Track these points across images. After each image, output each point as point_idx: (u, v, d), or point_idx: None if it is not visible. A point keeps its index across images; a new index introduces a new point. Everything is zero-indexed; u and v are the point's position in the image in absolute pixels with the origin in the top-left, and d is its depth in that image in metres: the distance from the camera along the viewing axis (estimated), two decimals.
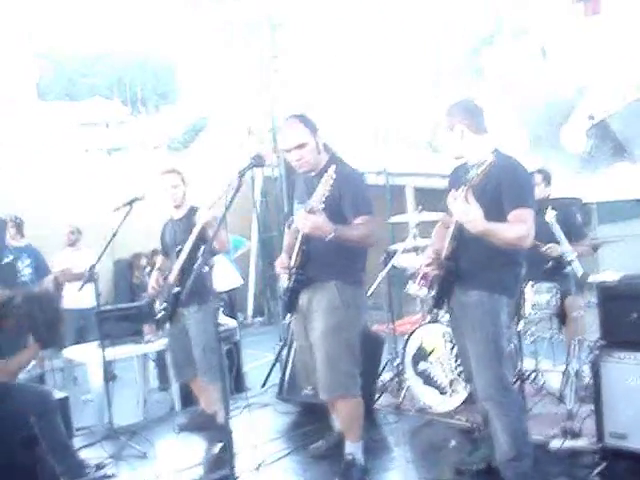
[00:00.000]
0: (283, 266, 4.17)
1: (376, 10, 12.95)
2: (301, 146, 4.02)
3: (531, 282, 5.31)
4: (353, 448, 4.20)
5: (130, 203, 5.31)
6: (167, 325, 5.42)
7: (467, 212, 3.39)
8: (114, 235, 5.24)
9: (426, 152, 10.41)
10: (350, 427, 4.22)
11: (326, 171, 3.81)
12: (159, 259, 5.78)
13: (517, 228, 3.51)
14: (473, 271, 3.70)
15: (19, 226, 8.01)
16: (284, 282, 4.24)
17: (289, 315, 4.30)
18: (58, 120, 19.20)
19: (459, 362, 4.85)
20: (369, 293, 6.04)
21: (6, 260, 7.62)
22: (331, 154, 4.16)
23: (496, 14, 10.15)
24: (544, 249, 5.35)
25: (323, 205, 3.74)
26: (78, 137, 18.47)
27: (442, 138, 3.89)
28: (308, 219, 3.75)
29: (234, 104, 16.76)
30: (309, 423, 5.28)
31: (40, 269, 7.90)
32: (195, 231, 4.90)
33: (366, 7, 13.08)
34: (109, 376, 5.94)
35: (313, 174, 4.10)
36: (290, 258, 4.13)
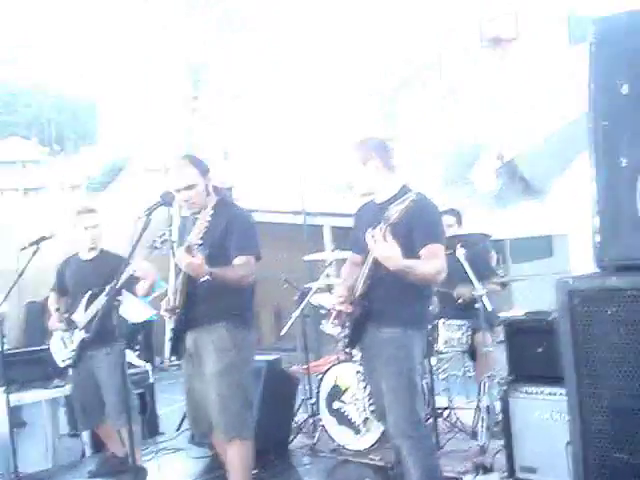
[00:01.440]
0: (167, 307, 4.09)
1: (295, 52, 13.13)
2: (190, 187, 4.03)
3: (443, 319, 5.39)
4: None
5: (37, 242, 5.17)
6: (70, 370, 5.28)
7: (386, 250, 3.41)
8: (20, 275, 5.07)
9: (344, 193, 10.53)
10: (239, 474, 4.05)
11: (214, 213, 3.88)
12: (53, 298, 5.55)
13: (432, 263, 3.56)
14: (386, 308, 3.71)
15: None
16: (168, 324, 4.16)
17: (174, 357, 4.21)
18: None
19: (372, 401, 4.85)
20: (282, 333, 6.06)
21: None
22: (221, 196, 4.20)
23: (409, 58, 10.43)
24: (455, 294, 5.46)
25: (200, 242, 3.75)
26: None
27: (352, 174, 3.89)
28: (184, 258, 3.75)
29: (153, 144, 16.68)
30: (221, 467, 5.17)
31: None
32: (124, 277, 4.72)
33: (285, 48, 13.26)
34: (18, 422, 5.73)
35: (198, 215, 4.08)
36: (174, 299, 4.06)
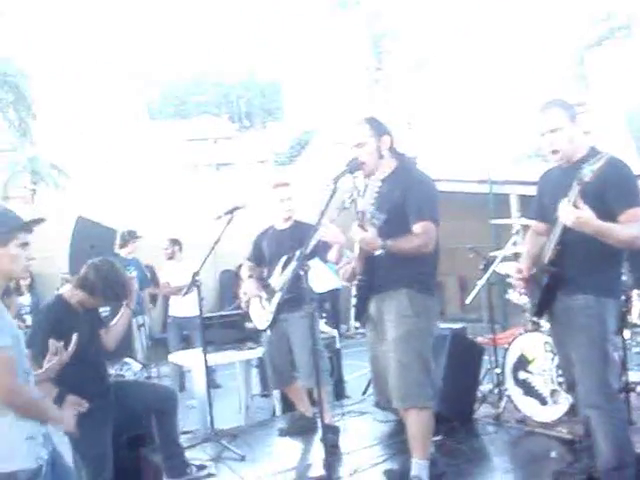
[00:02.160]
0: (347, 274, 4.17)
1: (481, 21, 12.84)
2: (359, 145, 4.04)
3: (637, 290, 5.14)
4: (419, 468, 4.03)
5: (231, 212, 5.45)
6: (268, 332, 5.53)
7: (579, 213, 3.31)
8: (216, 243, 5.38)
9: (531, 161, 10.24)
10: (418, 441, 4.06)
11: (393, 177, 3.91)
12: (245, 266, 5.81)
13: (631, 228, 3.43)
14: (578, 274, 3.61)
15: (130, 239, 8.38)
16: (353, 290, 4.23)
17: (358, 324, 4.29)
18: (168, 137, 19.91)
19: (560, 372, 4.72)
20: (468, 301, 6.01)
21: None
22: (401, 160, 4.15)
23: (605, 16, 9.91)
24: None
25: (371, 208, 3.84)
26: (187, 153, 19.08)
27: (552, 140, 3.70)
28: (357, 234, 3.82)
29: (338, 117, 16.93)
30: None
31: (143, 282, 8.24)
32: (312, 243, 4.88)
33: (469, 16, 12.99)
34: (212, 385, 6.10)
35: (379, 178, 4.09)
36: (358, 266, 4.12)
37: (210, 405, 5.53)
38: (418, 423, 4.04)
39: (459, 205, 11.44)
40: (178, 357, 6.96)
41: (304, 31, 19.40)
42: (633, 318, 5.18)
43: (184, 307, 8.28)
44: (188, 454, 4.97)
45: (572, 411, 4.74)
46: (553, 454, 4.61)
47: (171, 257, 8.74)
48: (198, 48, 26.51)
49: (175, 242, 8.78)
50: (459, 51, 13.40)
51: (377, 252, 3.88)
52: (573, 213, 3.31)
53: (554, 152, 3.69)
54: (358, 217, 3.87)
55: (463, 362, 5.48)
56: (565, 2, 10.41)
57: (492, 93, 11.78)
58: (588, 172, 3.26)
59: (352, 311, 4.48)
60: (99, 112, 18.72)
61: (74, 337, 3.25)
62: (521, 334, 5.41)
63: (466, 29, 13.08)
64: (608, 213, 3.40)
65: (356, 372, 7.91)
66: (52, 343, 3.20)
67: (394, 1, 15.65)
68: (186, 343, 8.51)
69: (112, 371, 5.74)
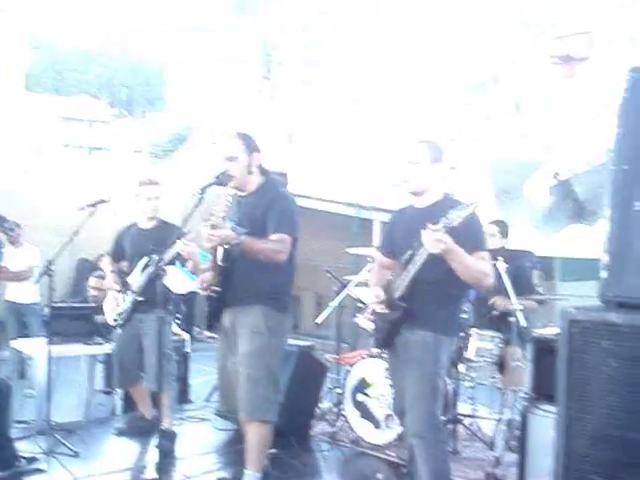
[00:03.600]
0: (204, 284, 4.22)
1: (369, 44, 13.16)
2: (231, 159, 4.14)
3: (476, 329, 5.47)
4: (251, 479, 4.15)
5: (94, 204, 5.37)
6: (119, 329, 5.49)
7: (446, 242, 3.45)
8: (74, 233, 5.28)
9: (397, 190, 10.57)
10: (253, 453, 4.17)
11: (257, 193, 4.05)
12: (106, 261, 5.77)
13: (481, 264, 3.68)
14: (423, 312, 3.79)
15: None
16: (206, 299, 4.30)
17: (208, 332, 4.36)
18: (42, 112, 19.18)
19: (393, 398, 4.94)
20: (319, 321, 6.18)
21: None
22: (267, 178, 4.27)
23: (488, 64, 10.41)
24: (490, 302, 5.51)
25: (222, 214, 3.91)
26: (60, 132, 18.47)
27: (413, 170, 3.87)
28: (214, 234, 3.89)
29: (219, 118, 16.88)
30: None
31: None
32: (171, 253, 4.89)
33: (359, 40, 13.30)
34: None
35: (243, 194, 4.22)
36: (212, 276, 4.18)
37: (49, 397, 5.41)
38: (258, 435, 4.15)
39: (325, 225, 11.69)
40: (20, 343, 6.76)
41: (198, 28, 19.24)
42: (469, 354, 5.50)
43: (21, 293, 8.06)
44: (20, 445, 4.85)
45: (402, 436, 4.97)
46: (379, 476, 4.84)
47: (12, 241, 8.35)
48: (89, 24, 25.71)
49: (18, 225, 8.40)
50: (345, 72, 13.70)
51: (233, 242, 3.92)
52: (439, 237, 3.45)
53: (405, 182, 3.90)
54: (210, 228, 3.92)
55: (306, 379, 5.64)
56: (457, 39, 10.87)
57: (370, 119, 12.11)
58: (455, 217, 3.45)
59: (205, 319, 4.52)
60: None
61: None
62: (364, 358, 5.62)
63: (356, 51, 13.38)
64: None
65: (203, 377, 7.91)
66: None
67: (290, 15, 15.82)
68: (22, 331, 8.23)
69: None
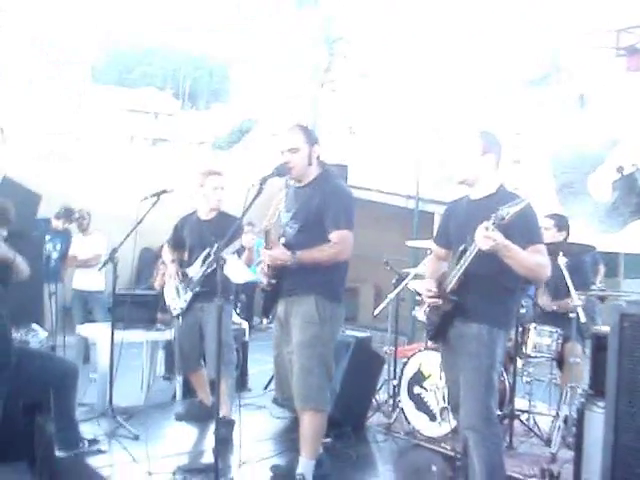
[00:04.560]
0: (263, 272, 4.30)
1: (430, 40, 13.09)
2: (292, 150, 4.19)
3: (534, 324, 5.42)
4: (305, 466, 4.21)
5: (158, 195, 5.48)
6: (180, 318, 5.61)
7: (497, 240, 3.44)
8: (138, 223, 5.40)
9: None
10: (308, 441, 4.23)
11: (314, 184, 4.10)
12: (167, 250, 5.86)
13: (537, 257, 3.64)
14: (476, 305, 3.78)
15: (64, 217, 8.32)
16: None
17: (266, 319, 4.42)
18: (109, 104, 19.59)
19: (448, 391, 4.94)
20: (376, 313, 6.21)
21: (35, 233, 7.87)
22: (324, 169, 4.31)
23: (550, 57, 10.26)
24: (554, 305, 5.45)
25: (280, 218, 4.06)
26: (126, 123, 18.85)
27: (464, 161, 3.86)
28: (266, 255, 4.02)
29: (281, 110, 17.00)
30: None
31: (65, 253, 8.22)
32: (235, 246, 4.98)
33: (420, 34, 13.24)
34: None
35: (301, 184, 4.27)
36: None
37: (111, 381, 5.55)
38: (312, 424, 4.20)
39: (385, 217, 11.71)
40: (85, 329, 6.96)
41: (260, 22, 19.39)
42: (527, 350, 5.46)
43: (87, 281, 8.29)
44: (82, 427, 4.98)
45: (457, 429, 4.97)
46: (434, 468, 4.84)
47: (82, 229, 8.61)
48: (153, 18, 26.17)
49: (87, 214, 8.64)
50: (408, 67, 13.65)
51: (289, 264, 4.03)
52: (490, 235, 3.43)
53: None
54: (264, 236, 4.02)
55: (363, 370, 5.67)
56: (513, 35, 10.75)
57: (431, 112, 12.06)
58: (505, 214, 3.42)
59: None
60: (40, 68, 18.30)
61: None
62: (421, 350, 5.63)
63: (418, 46, 13.33)
64: None
65: (262, 366, 8.01)
66: None
67: (351, 7, 15.81)
68: (88, 317, 8.49)
69: (17, 335, 5.72)
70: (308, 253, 4.05)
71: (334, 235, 4.10)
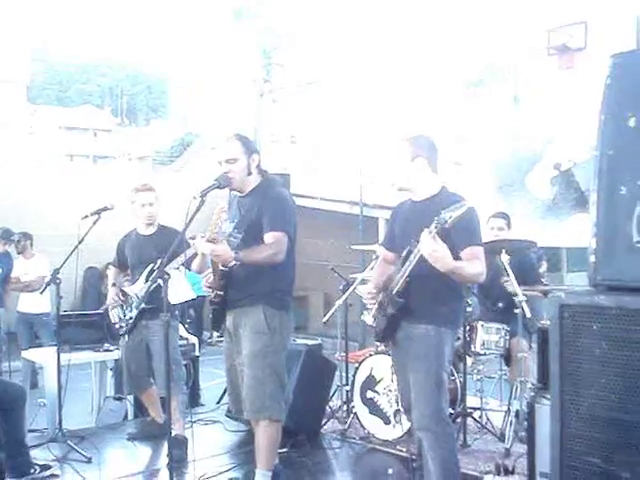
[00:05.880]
0: (207, 285, 4.26)
1: (371, 46, 13.20)
2: (231, 161, 4.18)
3: (481, 322, 5.49)
4: (262, 478, 4.17)
5: (99, 212, 5.41)
6: (126, 337, 5.54)
7: (438, 251, 3.46)
8: (79, 242, 5.33)
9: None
10: (263, 452, 4.20)
11: (254, 193, 4.14)
12: (112, 272, 5.81)
13: (476, 265, 3.67)
14: (422, 306, 3.80)
15: (6, 235, 8.16)
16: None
17: (216, 332, 4.39)
18: (46, 123, 19.30)
19: (399, 393, 4.97)
20: (325, 320, 6.22)
21: None
22: (265, 177, 4.31)
23: (486, 58, 10.45)
24: (502, 281, 5.48)
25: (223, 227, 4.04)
26: (65, 142, 18.58)
27: (396, 168, 3.91)
28: (207, 248, 3.96)
29: (222, 123, 16.95)
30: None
31: (7, 277, 8.06)
32: (182, 258, 4.95)
33: (360, 40, 13.34)
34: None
35: (242, 194, 4.27)
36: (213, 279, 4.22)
37: (60, 405, 5.46)
38: (267, 434, 4.18)
39: (330, 224, 11.75)
40: (31, 353, 6.83)
41: (196, 35, 19.33)
42: (476, 347, 5.52)
43: (32, 303, 8.16)
44: (34, 453, 4.90)
45: (411, 431, 4.99)
46: (390, 471, 4.87)
47: (21, 252, 8.44)
48: (89, 35, 25.90)
49: (26, 236, 8.48)
50: (347, 74, 13.74)
51: (231, 264, 3.99)
52: (431, 245, 3.46)
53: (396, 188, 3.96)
54: (209, 233, 3.98)
55: (315, 378, 5.67)
56: (453, 36, 10.91)
57: (371, 118, 12.16)
58: (447, 218, 3.43)
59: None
60: None
61: None
62: (371, 354, 5.65)
63: (355, 54, 13.44)
64: (451, 249, 3.61)
65: (214, 380, 7.98)
66: None
67: (288, 17, 15.87)
68: (34, 340, 8.33)
69: None
70: (248, 252, 4.02)
71: (268, 236, 4.07)
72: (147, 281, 5.29)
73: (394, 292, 3.85)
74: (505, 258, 5.25)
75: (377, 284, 4.02)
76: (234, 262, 3.98)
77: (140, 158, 21.10)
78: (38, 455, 4.98)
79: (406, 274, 3.76)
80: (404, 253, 3.78)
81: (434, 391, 3.78)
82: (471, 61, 10.80)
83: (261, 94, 14.03)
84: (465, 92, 10.95)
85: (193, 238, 6.17)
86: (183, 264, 5.07)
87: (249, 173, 4.23)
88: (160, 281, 3.90)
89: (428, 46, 11.67)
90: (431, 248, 3.45)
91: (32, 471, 4.67)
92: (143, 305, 5.26)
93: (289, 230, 4.14)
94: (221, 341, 8.62)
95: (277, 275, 4.16)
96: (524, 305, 5.17)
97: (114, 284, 5.60)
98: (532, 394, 4.41)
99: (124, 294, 5.45)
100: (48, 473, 4.74)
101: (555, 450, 2.96)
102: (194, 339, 7.24)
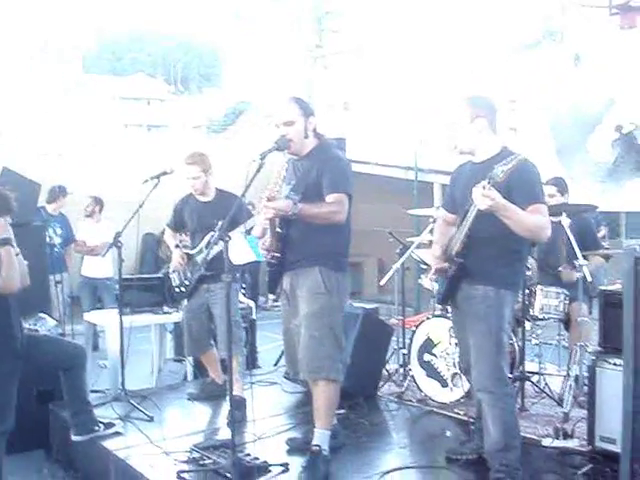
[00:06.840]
0: (264, 247, 4.27)
1: (422, 12, 13.03)
2: (288, 123, 4.15)
3: (541, 286, 5.43)
4: (321, 437, 4.18)
5: (158, 176, 5.47)
6: (186, 300, 5.63)
7: (493, 198, 3.41)
8: (140, 206, 5.41)
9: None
10: (322, 412, 4.21)
11: (311, 155, 4.12)
12: (169, 233, 5.87)
13: (536, 217, 3.61)
14: (482, 266, 3.79)
15: (59, 194, 8.32)
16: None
17: (272, 296, 4.39)
18: (101, 93, 19.54)
19: (459, 355, 4.97)
20: (382, 283, 6.22)
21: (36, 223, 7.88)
22: (321, 140, 4.28)
23: (542, 20, 10.22)
24: (560, 269, 5.44)
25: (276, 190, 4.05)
26: (119, 111, 18.80)
27: (456, 130, 3.87)
28: (269, 206, 3.97)
29: (274, 91, 16.93)
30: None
31: (67, 239, 8.25)
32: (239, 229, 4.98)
33: (412, 9, 13.17)
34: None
35: (299, 157, 4.24)
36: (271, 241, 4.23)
37: (122, 366, 5.58)
38: (325, 394, 4.19)
39: (385, 189, 11.71)
40: (93, 316, 6.99)
41: (248, 2, 19.27)
42: (535, 311, 5.47)
43: (96, 268, 8.32)
44: (97, 412, 5.00)
45: (469, 394, 5.00)
46: (448, 433, 4.87)
47: (89, 215, 8.63)
48: (140, 4, 26.09)
49: (97, 201, 8.67)
50: (399, 39, 13.59)
51: (290, 214, 3.98)
52: (485, 195, 3.42)
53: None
54: (268, 192, 4.00)
55: (372, 341, 5.68)
56: (504, 2, 10.71)
57: (425, 84, 12.03)
58: (499, 173, 3.42)
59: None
60: (30, 60, 18.23)
61: None
62: (429, 318, 5.64)
63: (408, 18, 13.27)
64: None
65: (270, 344, 8.06)
66: None
67: None
68: (100, 303, 8.52)
69: (26, 325, 5.73)
70: (308, 207, 4.00)
71: (331, 197, 4.06)
72: (208, 246, 5.34)
73: (454, 252, 3.85)
74: (566, 222, 5.17)
75: (442, 244, 4.00)
76: (293, 211, 3.96)
77: (194, 127, 21.23)
78: (102, 414, 5.09)
79: (464, 234, 3.76)
80: (462, 214, 3.76)
81: (493, 352, 3.77)
82: (528, 22, 10.58)
83: (315, 59, 13.94)
84: (522, 54, 10.73)
85: (251, 204, 6.24)
86: (247, 231, 5.10)
87: (306, 136, 4.21)
88: (221, 243, 3.93)
89: (484, 8, 11.47)
90: (488, 197, 3.41)
91: (96, 428, 4.79)
92: (203, 271, 5.32)
93: (350, 191, 4.13)
94: (276, 306, 8.74)
95: (333, 237, 4.16)
96: (585, 269, 5.10)
97: (177, 246, 5.68)
98: (593, 358, 4.37)
99: (189, 257, 5.53)
100: (112, 431, 4.86)
101: (628, 404, 2.92)
102: (251, 303, 7.31)
